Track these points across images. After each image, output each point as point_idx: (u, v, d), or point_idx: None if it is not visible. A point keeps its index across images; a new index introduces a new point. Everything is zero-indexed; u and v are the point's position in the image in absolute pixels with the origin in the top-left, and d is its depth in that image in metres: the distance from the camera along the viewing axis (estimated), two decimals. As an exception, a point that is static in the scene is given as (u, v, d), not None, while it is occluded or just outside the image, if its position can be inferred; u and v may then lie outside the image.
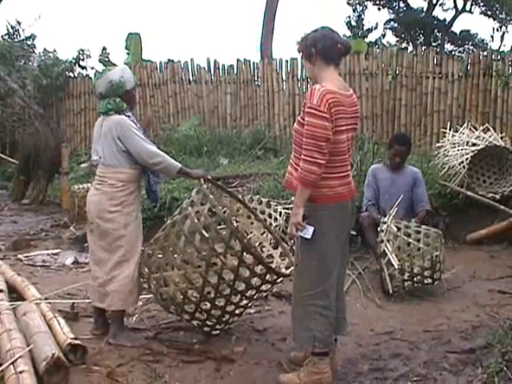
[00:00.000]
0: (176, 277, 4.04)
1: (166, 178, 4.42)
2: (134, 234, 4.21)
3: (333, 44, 3.54)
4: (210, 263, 3.91)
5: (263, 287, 4.26)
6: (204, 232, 3.92)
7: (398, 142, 6.23)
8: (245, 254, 3.89)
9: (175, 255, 4.06)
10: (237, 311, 4.35)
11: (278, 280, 4.28)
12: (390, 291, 5.30)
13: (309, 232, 3.48)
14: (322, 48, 3.53)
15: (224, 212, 4.65)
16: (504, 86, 10.16)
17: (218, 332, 4.36)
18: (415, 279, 5.36)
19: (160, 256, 4.12)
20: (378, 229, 5.63)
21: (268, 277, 4.11)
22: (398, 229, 5.54)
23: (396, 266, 5.27)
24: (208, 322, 4.26)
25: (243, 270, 3.98)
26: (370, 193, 6.24)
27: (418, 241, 5.48)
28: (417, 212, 6.10)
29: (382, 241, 5.46)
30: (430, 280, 5.40)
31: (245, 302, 4.31)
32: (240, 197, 5.30)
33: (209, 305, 4.11)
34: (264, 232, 5.18)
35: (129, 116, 4.21)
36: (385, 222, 5.59)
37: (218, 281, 3.94)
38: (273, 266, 4.46)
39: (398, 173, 6.19)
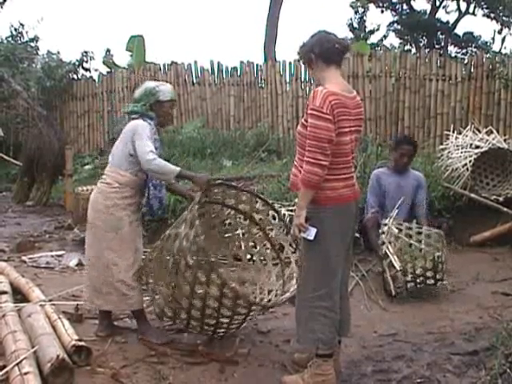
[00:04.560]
0: (165, 294, 4.03)
1: (167, 192, 4.31)
2: (124, 239, 4.19)
3: (330, 45, 3.57)
4: (193, 288, 3.86)
5: (252, 313, 4.17)
6: (189, 258, 3.84)
7: (405, 141, 6.28)
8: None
9: (165, 272, 4.00)
10: (232, 326, 4.25)
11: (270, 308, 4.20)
12: (393, 293, 5.31)
13: (311, 233, 3.48)
14: (320, 51, 3.56)
15: (240, 212, 4.58)
16: (506, 87, 10.18)
17: (221, 334, 4.36)
18: (418, 280, 5.37)
19: (153, 267, 4.10)
20: (380, 230, 5.63)
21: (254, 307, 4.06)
22: (399, 230, 5.55)
23: (398, 268, 5.27)
24: (205, 329, 4.24)
25: (226, 300, 3.91)
26: (373, 198, 6.22)
27: (420, 242, 5.49)
28: (417, 219, 6.08)
29: (384, 242, 5.47)
30: (432, 281, 5.41)
31: (238, 319, 4.20)
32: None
33: (198, 323, 4.08)
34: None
35: (149, 124, 4.21)
36: (386, 224, 5.59)
37: (202, 307, 3.91)
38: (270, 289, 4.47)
39: (403, 175, 6.18)
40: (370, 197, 6.25)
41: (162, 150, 4.43)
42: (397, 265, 5.28)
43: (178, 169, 4.10)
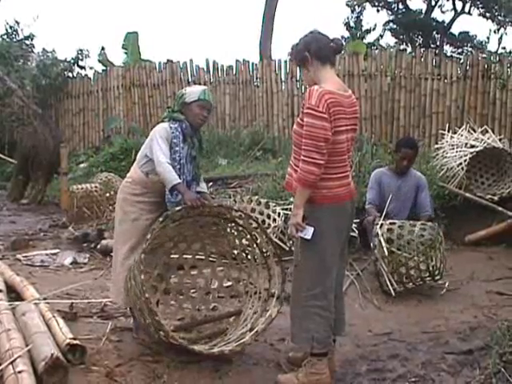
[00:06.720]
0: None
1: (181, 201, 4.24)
2: (122, 234, 4.30)
3: (325, 43, 3.59)
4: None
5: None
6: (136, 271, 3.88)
7: (405, 144, 6.18)
8: None
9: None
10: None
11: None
12: (393, 293, 5.29)
13: (309, 233, 3.49)
14: (315, 49, 3.56)
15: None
16: (502, 88, 10.21)
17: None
18: (416, 283, 5.41)
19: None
20: (373, 231, 5.57)
21: None
22: (391, 241, 5.44)
23: (393, 294, 5.28)
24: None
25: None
26: (372, 195, 6.14)
27: (413, 250, 5.40)
28: (420, 218, 6.03)
29: (376, 246, 5.43)
30: (431, 281, 5.46)
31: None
32: (239, 197, 5.16)
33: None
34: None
35: (171, 127, 4.22)
36: (377, 224, 5.54)
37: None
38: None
39: (404, 178, 6.13)
40: (369, 193, 6.20)
41: (197, 153, 4.39)
42: (392, 290, 5.29)
43: (178, 181, 4.09)
